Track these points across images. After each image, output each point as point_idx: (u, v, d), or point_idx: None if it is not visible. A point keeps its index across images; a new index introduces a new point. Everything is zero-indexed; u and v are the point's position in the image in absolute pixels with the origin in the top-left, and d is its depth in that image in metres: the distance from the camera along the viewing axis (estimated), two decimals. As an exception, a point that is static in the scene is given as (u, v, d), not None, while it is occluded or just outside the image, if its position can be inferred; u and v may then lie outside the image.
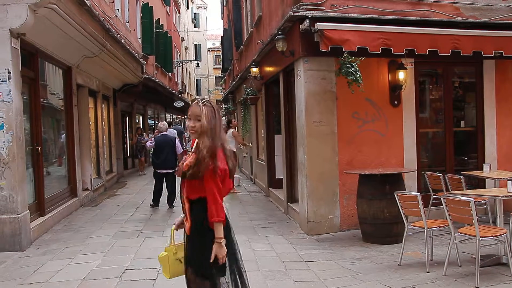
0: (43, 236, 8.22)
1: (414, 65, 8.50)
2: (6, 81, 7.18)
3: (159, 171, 11.03)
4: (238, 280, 3.58)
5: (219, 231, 3.33)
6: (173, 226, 3.74)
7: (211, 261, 3.31)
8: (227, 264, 3.46)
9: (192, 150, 3.54)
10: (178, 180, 9.81)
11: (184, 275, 3.53)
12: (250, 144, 14.67)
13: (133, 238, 7.90)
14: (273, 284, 5.52)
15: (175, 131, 15.60)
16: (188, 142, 22.46)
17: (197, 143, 3.46)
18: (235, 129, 13.96)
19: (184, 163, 3.45)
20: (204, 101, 3.46)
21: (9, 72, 7.18)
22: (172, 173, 10.83)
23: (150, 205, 11.16)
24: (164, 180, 11.09)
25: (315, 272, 5.97)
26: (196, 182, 3.37)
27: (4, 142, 7.19)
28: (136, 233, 8.27)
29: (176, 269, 3.64)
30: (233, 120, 15.34)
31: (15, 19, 7.19)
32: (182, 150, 11.32)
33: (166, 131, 11.44)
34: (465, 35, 7.83)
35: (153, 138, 11.46)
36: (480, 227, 5.32)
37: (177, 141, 11.27)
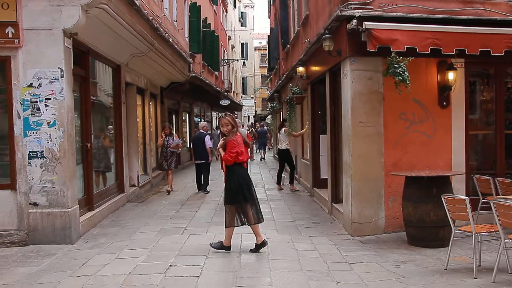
0: (91, 230, 8.45)
1: (465, 65, 8.27)
2: (58, 79, 7.43)
3: (195, 161, 13.35)
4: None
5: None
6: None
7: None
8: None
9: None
10: (212, 168, 12.55)
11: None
12: (307, 126, 13.87)
13: (178, 235, 8.02)
14: (316, 285, 5.50)
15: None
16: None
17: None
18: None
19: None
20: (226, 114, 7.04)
21: (61, 71, 7.43)
22: (204, 163, 13.10)
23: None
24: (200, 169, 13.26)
25: (359, 274, 5.92)
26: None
27: (56, 138, 7.44)
28: (180, 230, 8.40)
29: None
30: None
31: (68, 19, 7.42)
32: (210, 145, 13.09)
33: (203, 129, 13.47)
34: (520, 34, 7.59)
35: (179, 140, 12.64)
36: (531, 233, 5.15)
37: (206, 138, 13.06)
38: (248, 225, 6.84)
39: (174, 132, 14.08)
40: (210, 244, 6.93)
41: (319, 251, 7.01)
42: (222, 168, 7.33)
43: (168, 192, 13.06)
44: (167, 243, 7.38)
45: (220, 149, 6.88)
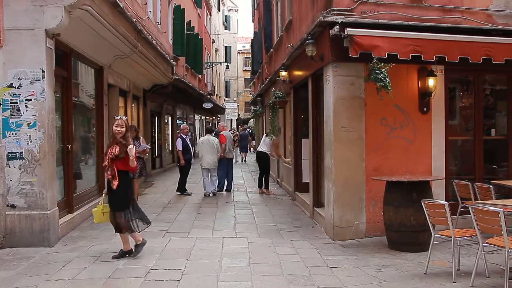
0: (70, 233, 8.37)
1: (444, 72, 8.39)
2: (40, 80, 7.35)
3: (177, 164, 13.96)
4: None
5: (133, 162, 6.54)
6: (104, 195, 6.83)
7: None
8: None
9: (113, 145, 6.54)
10: (194, 171, 13.68)
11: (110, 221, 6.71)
12: (288, 159, 14.04)
13: (159, 238, 7.97)
14: (296, 289, 5.53)
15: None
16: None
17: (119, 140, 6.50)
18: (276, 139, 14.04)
19: (116, 151, 6.43)
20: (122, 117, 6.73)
21: (43, 72, 7.35)
22: (179, 166, 13.44)
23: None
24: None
25: (339, 278, 5.95)
26: (122, 160, 6.46)
27: (36, 139, 7.35)
28: (161, 233, 8.34)
29: (101, 219, 6.83)
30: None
31: (51, 20, 7.35)
32: (180, 148, 13.26)
33: (183, 132, 13.74)
34: (497, 42, 7.71)
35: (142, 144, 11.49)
36: (509, 238, 5.21)
37: (177, 141, 13.51)
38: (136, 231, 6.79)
39: (140, 135, 12.53)
40: (112, 257, 6.69)
41: (301, 255, 7.03)
42: (112, 175, 6.58)
43: None
44: (147, 247, 7.29)
45: (133, 159, 6.53)
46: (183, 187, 13.40)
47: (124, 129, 6.57)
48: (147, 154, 12.42)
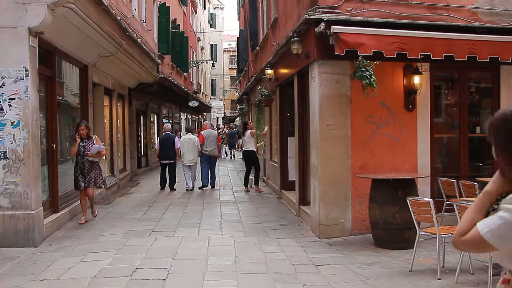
0: (55, 233, 8.29)
1: (430, 69, 8.43)
2: (23, 79, 7.27)
3: (162, 161, 14.00)
4: None
5: None
6: None
7: None
8: None
9: None
10: (177, 168, 13.59)
11: None
12: (265, 128, 14.51)
13: (145, 237, 7.94)
14: (283, 287, 5.52)
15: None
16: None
17: None
18: (252, 129, 14.12)
19: None
20: None
21: (26, 70, 7.27)
22: (173, 163, 13.90)
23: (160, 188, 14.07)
24: (166, 169, 14.03)
25: (325, 276, 5.96)
26: None
27: (20, 139, 7.27)
28: (147, 232, 8.31)
29: None
30: (249, 122, 15.36)
31: (34, 18, 7.27)
32: (179, 145, 13.86)
33: (169, 131, 14.46)
34: (482, 40, 7.77)
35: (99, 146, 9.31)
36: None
37: (176, 139, 14.02)
38: None
39: (93, 134, 9.79)
40: None
41: (286, 253, 7.03)
42: None
43: (82, 222, 9.06)
44: (133, 246, 7.30)
45: None
46: (173, 184, 13.94)
47: None
48: (104, 157, 10.29)
